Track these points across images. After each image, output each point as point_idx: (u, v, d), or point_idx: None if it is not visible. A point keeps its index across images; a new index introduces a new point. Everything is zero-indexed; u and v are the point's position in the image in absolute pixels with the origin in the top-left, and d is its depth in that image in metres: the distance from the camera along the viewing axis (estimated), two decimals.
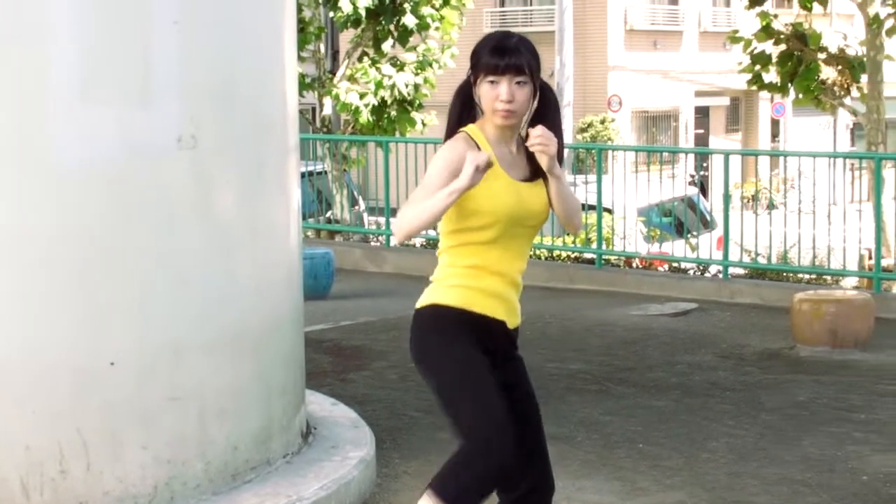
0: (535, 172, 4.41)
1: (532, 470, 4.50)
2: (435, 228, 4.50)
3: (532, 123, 4.39)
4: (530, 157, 4.38)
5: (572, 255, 14.11)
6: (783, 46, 18.48)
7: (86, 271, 5.30)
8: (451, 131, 4.42)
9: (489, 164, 4.13)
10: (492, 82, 4.29)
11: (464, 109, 4.43)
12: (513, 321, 4.45)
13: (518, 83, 4.28)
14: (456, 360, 4.32)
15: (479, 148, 4.28)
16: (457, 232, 4.35)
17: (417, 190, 4.27)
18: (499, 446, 4.23)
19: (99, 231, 5.32)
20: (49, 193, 5.22)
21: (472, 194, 4.21)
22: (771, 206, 14.25)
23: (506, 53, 4.29)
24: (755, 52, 18.63)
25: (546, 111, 4.42)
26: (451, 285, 4.37)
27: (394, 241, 3.80)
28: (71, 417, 5.31)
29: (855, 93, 18.65)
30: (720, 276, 12.96)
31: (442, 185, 4.18)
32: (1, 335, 5.23)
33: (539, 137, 4.25)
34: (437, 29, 20.69)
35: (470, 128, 4.38)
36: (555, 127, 4.37)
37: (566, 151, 23.28)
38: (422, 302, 4.42)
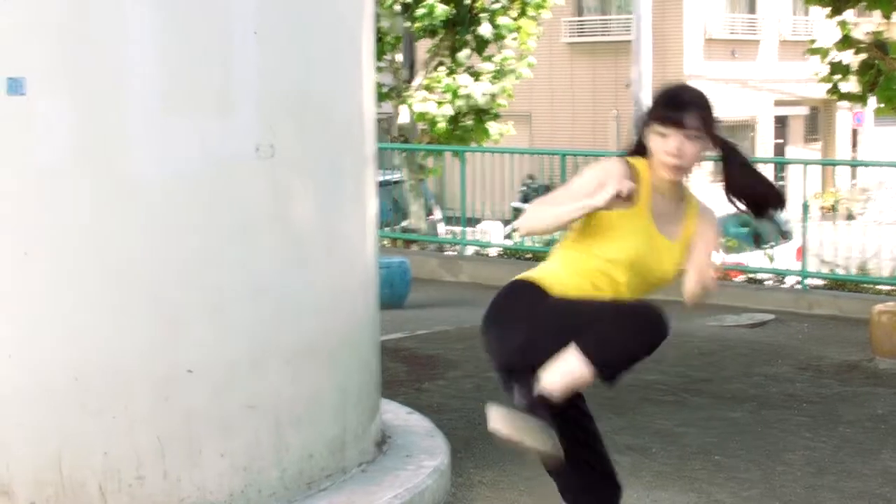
0: (683, 234, 4.39)
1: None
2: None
3: (726, 186, 4.41)
4: (687, 216, 4.39)
5: None
6: (863, 56, 18.30)
7: (164, 280, 5.36)
8: (624, 151, 4.42)
9: (630, 197, 4.08)
10: (661, 134, 4.25)
11: (641, 141, 4.37)
12: None
13: (688, 137, 4.24)
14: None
15: (634, 180, 4.22)
16: (580, 241, 4.29)
17: (560, 190, 4.23)
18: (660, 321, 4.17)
19: (177, 240, 5.37)
20: (128, 203, 5.28)
21: (605, 221, 4.20)
22: (850, 216, 14.11)
23: (678, 107, 4.25)
24: (833, 61, 18.47)
25: (733, 171, 4.41)
26: (557, 274, 4.28)
27: (519, 234, 3.73)
28: (149, 424, 5.36)
29: None
30: (798, 287, 12.86)
31: (584, 195, 4.13)
32: (80, 343, 5.30)
33: (698, 276, 4.34)
34: (514, 39, 20.70)
35: (639, 161, 4.32)
36: (745, 176, 4.41)
37: None
38: (534, 277, 4.32)
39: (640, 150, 4.37)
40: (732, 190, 4.43)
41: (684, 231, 4.39)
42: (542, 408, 4.15)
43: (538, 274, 4.32)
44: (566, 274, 4.27)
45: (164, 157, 5.31)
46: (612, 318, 4.13)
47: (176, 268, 5.37)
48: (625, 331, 4.12)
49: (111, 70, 5.25)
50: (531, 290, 4.27)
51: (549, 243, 15.02)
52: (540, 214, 4.19)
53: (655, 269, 4.32)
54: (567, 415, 4.40)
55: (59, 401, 5.30)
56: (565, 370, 4.11)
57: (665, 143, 4.23)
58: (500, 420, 4.16)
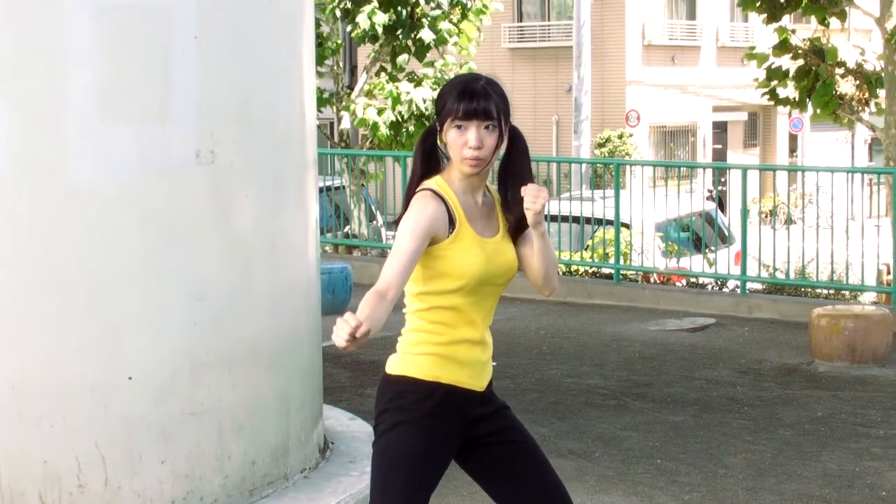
0: (501, 225, 4.20)
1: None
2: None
3: (503, 169, 4.19)
4: (507, 208, 4.19)
5: (590, 271, 14.10)
6: (801, 62, 18.45)
7: (103, 287, 5.32)
8: (415, 182, 4.17)
9: (354, 338, 3.74)
10: (459, 128, 4.04)
11: (429, 158, 4.18)
12: (483, 383, 4.22)
13: (486, 128, 4.04)
14: (401, 454, 4.14)
15: (445, 203, 4.05)
16: (424, 294, 4.13)
17: (390, 258, 3.97)
18: None
19: (116, 247, 5.33)
20: (66, 210, 5.24)
21: (440, 255, 4.05)
22: (789, 221, 14.21)
23: (473, 97, 4.05)
24: (772, 67, 18.62)
25: (517, 157, 4.20)
26: (422, 353, 4.14)
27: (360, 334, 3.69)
28: (89, 432, 5.33)
29: (873, 108, 18.61)
30: (738, 291, 12.94)
31: (412, 253, 3.95)
32: (18, 352, 5.25)
33: (531, 195, 4.01)
34: (454, 44, 20.72)
35: (436, 180, 4.12)
36: (525, 174, 4.17)
37: (584, 166, 23.28)
38: (392, 369, 4.22)
39: (425, 173, 4.17)
40: (510, 175, 4.19)
41: (502, 220, 4.20)
42: None
43: (402, 366, 4.19)
44: (422, 361, 4.14)
45: (102, 164, 5.27)
46: None
47: (115, 274, 5.34)
48: None
49: (48, 76, 5.21)
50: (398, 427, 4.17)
51: None
52: (375, 317, 3.86)
53: (498, 274, 4.15)
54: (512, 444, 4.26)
55: None
56: None
57: (462, 136, 4.04)
58: None
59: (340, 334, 3.69)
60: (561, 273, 14.10)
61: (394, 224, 4.23)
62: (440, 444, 4.18)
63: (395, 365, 4.22)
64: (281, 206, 5.99)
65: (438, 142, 4.15)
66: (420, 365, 4.15)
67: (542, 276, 4.21)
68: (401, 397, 4.19)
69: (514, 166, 4.19)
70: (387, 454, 4.16)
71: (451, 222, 4.06)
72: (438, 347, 4.14)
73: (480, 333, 4.18)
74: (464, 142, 4.04)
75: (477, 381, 4.19)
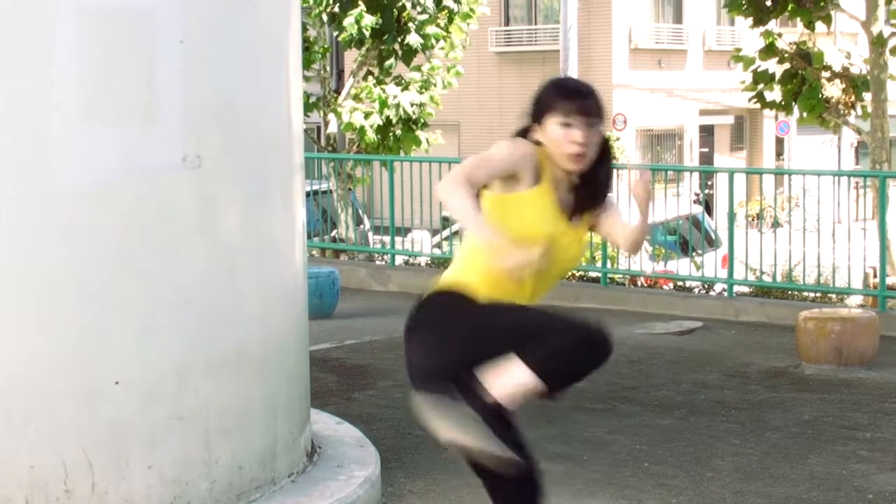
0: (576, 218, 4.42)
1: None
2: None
3: (590, 170, 4.36)
4: (577, 202, 4.39)
5: (577, 274, 14.11)
6: (787, 65, 18.50)
7: (89, 291, 5.30)
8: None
9: (517, 270, 4.08)
10: (565, 125, 4.26)
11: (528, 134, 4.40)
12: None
13: (591, 126, 4.28)
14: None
15: (538, 170, 4.27)
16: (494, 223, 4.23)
17: (474, 159, 4.22)
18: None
19: (101, 251, 5.32)
20: (51, 214, 5.22)
21: (515, 203, 4.23)
22: (776, 224, 14.23)
23: (581, 96, 4.30)
24: (758, 70, 18.66)
25: (606, 159, 4.41)
26: (468, 281, 4.28)
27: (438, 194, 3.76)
28: (75, 437, 5.31)
29: (859, 111, 18.67)
30: (725, 294, 12.95)
31: (495, 170, 4.19)
32: (3, 356, 5.23)
33: (644, 183, 4.34)
34: (441, 48, 20.73)
35: (541, 150, 4.31)
36: (610, 179, 4.46)
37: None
38: (434, 288, 4.36)
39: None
40: (598, 179, 4.40)
41: (583, 218, 4.43)
42: (496, 416, 4.17)
43: (458, 278, 4.32)
44: (486, 275, 4.25)
45: (86, 167, 5.25)
46: (560, 332, 4.15)
47: (101, 278, 5.32)
48: (571, 347, 4.14)
49: (32, 77, 5.19)
50: (457, 300, 4.28)
51: None
52: (453, 203, 4.10)
53: (564, 252, 4.34)
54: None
55: None
56: (516, 381, 4.13)
57: (570, 133, 4.25)
58: (451, 430, 4.15)
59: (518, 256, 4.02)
60: None
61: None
62: None
63: (440, 283, 4.37)
64: (268, 209, 5.99)
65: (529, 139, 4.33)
66: (467, 287, 4.27)
67: (631, 245, 4.51)
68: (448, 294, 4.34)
69: (604, 168, 4.39)
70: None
71: (537, 178, 4.25)
72: (484, 285, 4.25)
73: (526, 292, 4.30)
74: (570, 138, 4.24)
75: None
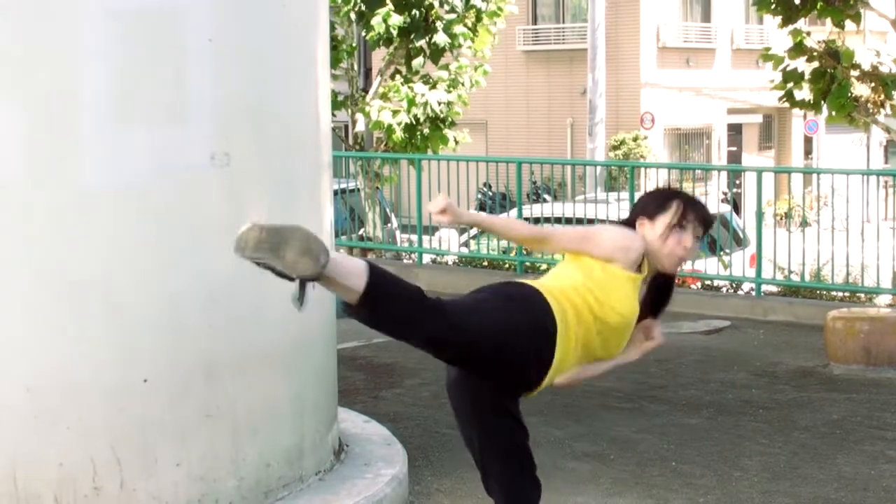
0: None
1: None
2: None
3: (666, 280, 4.80)
4: (652, 303, 4.77)
5: None
6: (816, 64, 18.41)
7: (118, 290, 5.32)
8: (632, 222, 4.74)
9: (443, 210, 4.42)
10: (681, 228, 4.65)
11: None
12: (562, 370, 4.62)
13: (696, 238, 4.71)
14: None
15: (639, 261, 4.61)
16: (585, 288, 4.56)
17: (582, 231, 4.67)
18: None
19: (130, 249, 5.34)
20: (81, 213, 5.24)
21: (617, 274, 4.55)
22: (804, 223, 14.18)
23: (709, 222, 4.75)
24: (787, 69, 18.57)
25: (673, 278, 4.86)
26: (559, 310, 4.52)
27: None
28: (104, 434, 5.33)
29: (888, 110, 18.57)
30: (753, 293, 12.91)
31: (595, 240, 4.56)
32: (33, 354, 5.26)
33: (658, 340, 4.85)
34: (469, 47, 20.71)
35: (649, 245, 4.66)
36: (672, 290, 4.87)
37: (599, 169, 23.26)
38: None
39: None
40: (669, 290, 4.84)
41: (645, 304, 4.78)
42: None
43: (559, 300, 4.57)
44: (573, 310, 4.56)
45: (117, 167, 5.27)
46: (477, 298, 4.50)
47: (130, 277, 5.34)
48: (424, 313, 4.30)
49: (63, 79, 5.21)
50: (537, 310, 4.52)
51: (506, 251, 15.04)
52: (488, 222, 4.73)
53: (620, 337, 4.70)
54: (503, 423, 4.70)
55: (11, 412, 5.26)
56: (347, 267, 4.20)
57: (685, 242, 4.65)
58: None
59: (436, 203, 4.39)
60: None
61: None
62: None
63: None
64: (295, 208, 5.99)
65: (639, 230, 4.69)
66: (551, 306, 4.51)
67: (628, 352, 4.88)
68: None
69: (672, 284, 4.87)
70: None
71: (639, 269, 4.62)
72: (565, 316, 4.51)
73: (588, 355, 4.64)
74: (684, 245, 4.65)
75: (562, 362, 4.56)
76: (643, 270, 4.64)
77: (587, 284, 4.53)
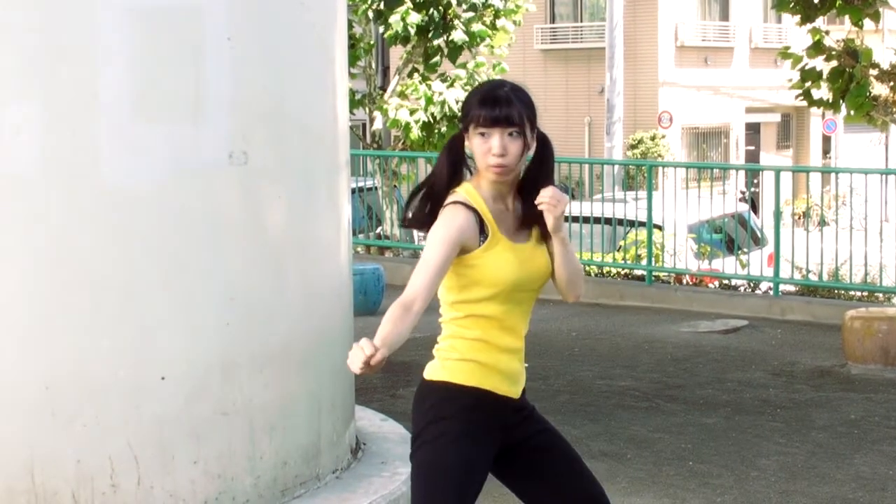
0: (533, 229, 4.12)
1: None
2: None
3: (526, 174, 4.13)
4: (529, 214, 4.09)
5: (622, 272, 14.08)
6: (834, 63, 18.37)
7: (135, 288, 5.33)
8: (441, 187, 4.10)
9: (370, 365, 3.87)
10: (482, 135, 4.00)
11: (455, 166, 4.12)
12: (519, 390, 4.20)
13: (510, 135, 3.98)
14: (445, 467, 4.13)
15: (477, 212, 4.01)
16: (459, 303, 4.11)
17: (418, 268, 3.97)
18: None
19: (148, 247, 5.35)
20: (98, 210, 5.26)
21: (473, 264, 4.01)
22: (822, 222, 14.15)
23: (496, 104, 3.99)
24: (805, 68, 18.53)
25: (544, 164, 4.15)
26: (460, 359, 4.14)
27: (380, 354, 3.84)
28: (121, 432, 5.34)
29: None
30: (771, 293, 12.89)
31: (440, 264, 3.94)
32: (51, 351, 5.27)
33: (549, 198, 3.96)
34: (487, 45, 20.71)
35: (465, 188, 4.07)
36: (546, 180, 4.10)
37: (617, 168, 23.23)
38: (431, 376, 4.22)
39: (451, 181, 4.12)
40: (535, 179, 4.11)
41: (533, 223, 4.12)
42: None
43: (444, 376, 4.18)
44: (461, 367, 4.14)
45: (134, 165, 5.28)
46: None
47: (147, 275, 5.35)
48: None
49: (81, 77, 5.22)
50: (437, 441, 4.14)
51: None
52: (396, 333, 3.97)
53: (532, 279, 4.09)
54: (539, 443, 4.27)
55: (29, 409, 5.27)
56: None
57: (486, 143, 3.99)
58: None
59: (355, 361, 3.79)
60: (592, 274, 14.08)
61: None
62: (482, 454, 4.18)
63: (435, 371, 4.21)
64: (313, 206, 6.00)
65: (465, 149, 4.10)
66: (460, 371, 4.13)
67: (565, 283, 4.16)
68: (441, 405, 4.15)
69: (535, 172, 4.13)
70: (430, 467, 4.14)
71: (483, 231, 4.01)
72: (477, 354, 4.11)
73: (517, 340, 4.16)
74: (487, 149, 4.00)
75: (514, 387, 4.18)
76: (491, 228, 4.01)
77: (469, 308, 4.07)
